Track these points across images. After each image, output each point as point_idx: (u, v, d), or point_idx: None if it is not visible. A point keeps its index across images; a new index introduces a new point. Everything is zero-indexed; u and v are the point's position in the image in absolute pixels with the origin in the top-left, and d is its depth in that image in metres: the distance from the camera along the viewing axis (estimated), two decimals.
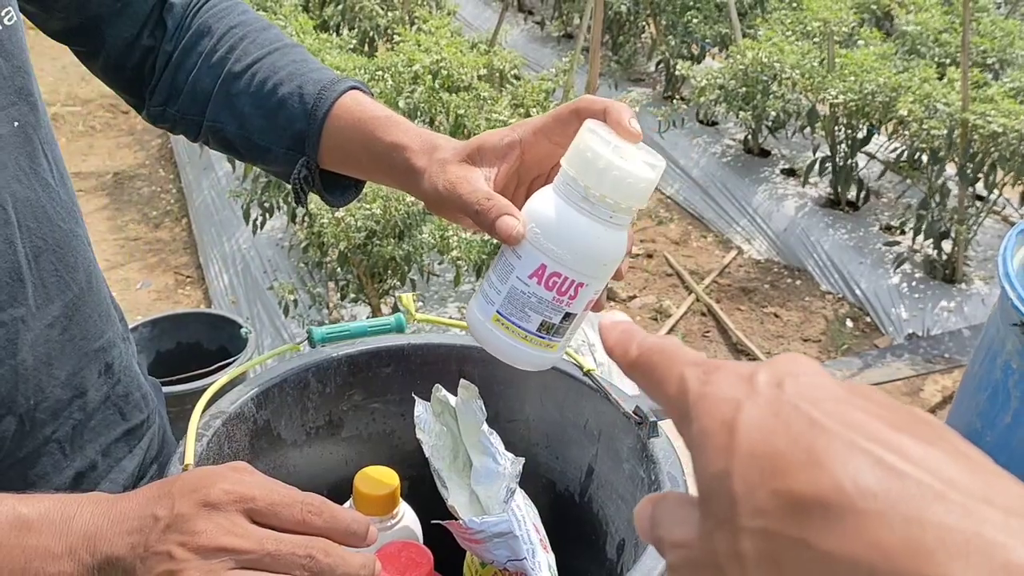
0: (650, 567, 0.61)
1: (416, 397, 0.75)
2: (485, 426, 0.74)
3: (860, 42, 3.74)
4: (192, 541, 0.53)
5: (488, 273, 0.63)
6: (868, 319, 3.29)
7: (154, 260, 3.59)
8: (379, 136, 0.72)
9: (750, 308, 3.40)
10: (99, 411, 0.76)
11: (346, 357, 0.80)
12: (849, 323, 3.29)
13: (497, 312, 0.61)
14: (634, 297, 3.43)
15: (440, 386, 0.75)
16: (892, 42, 3.80)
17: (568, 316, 0.61)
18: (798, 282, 3.54)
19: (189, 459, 0.65)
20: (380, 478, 0.74)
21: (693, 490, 0.33)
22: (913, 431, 0.28)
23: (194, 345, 2.56)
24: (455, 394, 0.75)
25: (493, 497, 0.69)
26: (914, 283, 3.29)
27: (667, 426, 0.76)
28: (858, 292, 3.36)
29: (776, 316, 3.35)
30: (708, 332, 3.25)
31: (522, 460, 0.70)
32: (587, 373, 0.79)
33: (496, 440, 0.74)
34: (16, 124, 0.67)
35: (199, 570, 0.52)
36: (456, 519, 0.65)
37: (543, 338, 0.61)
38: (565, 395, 0.80)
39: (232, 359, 2.42)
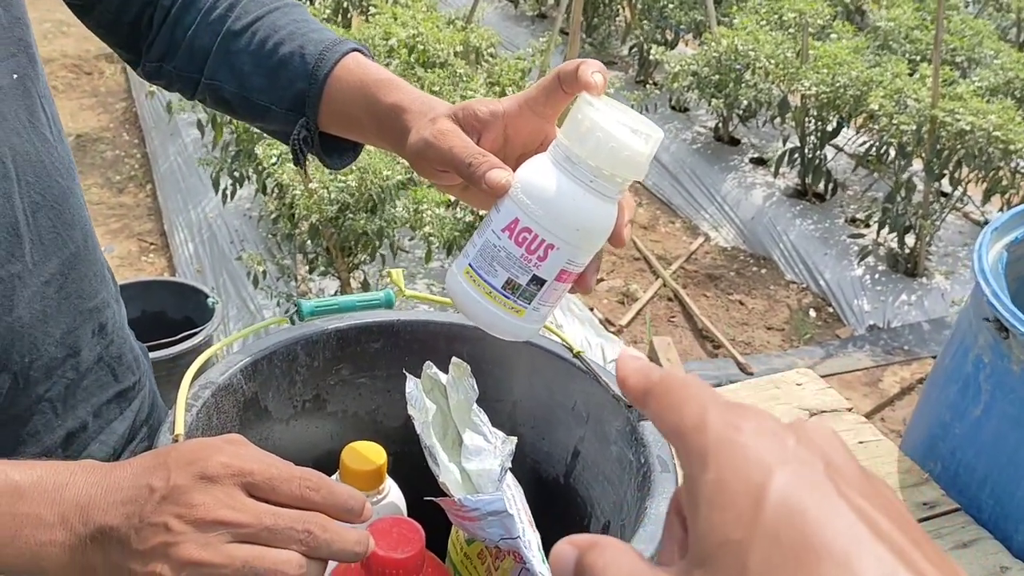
0: (640, 550, 0.62)
1: (407, 373, 0.75)
2: (475, 405, 0.74)
3: (833, 35, 3.77)
4: (189, 513, 0.52)
5: (473, 235, 0.63)
6: (831, 309, 3.33)
7: (117, 226, 3.53)
8: (380, 98, 0.71)
9: (716, 295, 3.43)
10: (92, 371, 0.74)
11: (335, 331, 0.80)
12: (812, 313, 3.34)
13: (469, 264, 0.61)
14: (601, 280, 3.45)
15: (431, 363, 0.75)
16: (865, 36, 3.84)
17: (536, 280, 0.59)
18: (763, 271, 3.58)
19: (179, 429, 0.64)
20: (368, 453, 0.74)
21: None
22: (937, 561, 0.27)
23: (159, 314, 2.53)
24: (444, 371, 0.75)
25: (484, 475, 0.69)
26: (877, 276, 3.34)
27: None
28: (822, 283, 3.41)
29: (741, 304, 3.38)
30: (674, 317, 3.28)
31: (514, 439, 0.70)
32: (577, 355, 0.79)
33: (485, 419, 0.74)
34: (15, 76, 0.66)
35: (196, 543, 0.52)
36: (448, 496, 0.65)
37: (508, 298, 0.60)
38: (554, 376, 0.81)
39: (198, 328, 2.40)
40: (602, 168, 0.57)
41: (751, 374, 2.88)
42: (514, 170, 0.64)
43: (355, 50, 0.75)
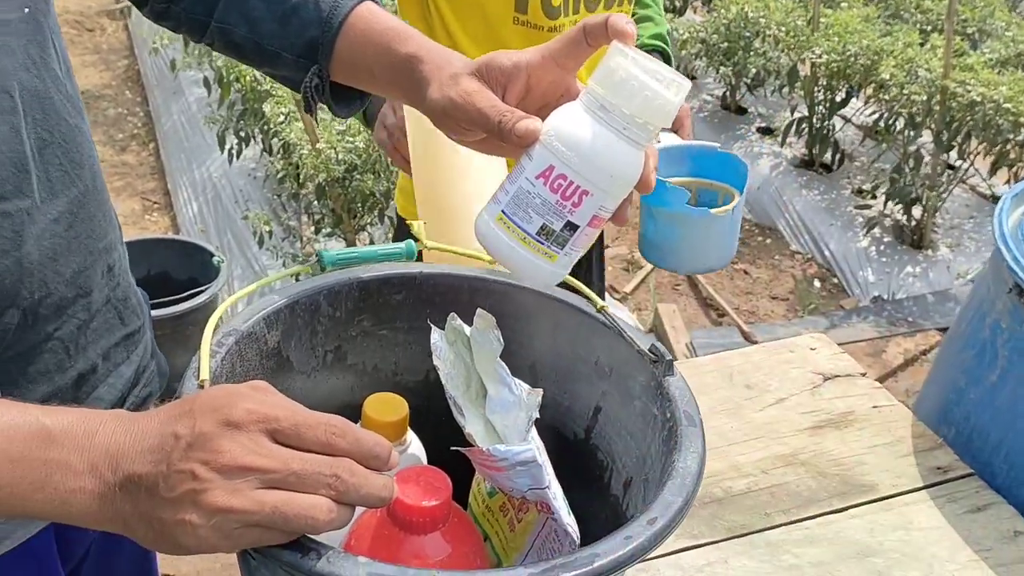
0: (669, 501, 0.62)
1: (431, 324, 0.74)
2: (498, 357, 0.73)
3: (844, 3, 3.73)
4: (215, 460, 0.52)
5: (503, 181, 0.63)
6: (836, 280, 3.33)
7: (120, 184, 3.51)
8: (395, 47, 0.71)
9: None
10: (101, 313, 0.74)
11: (358, 281, 0.79)
12: (817, 283, 3.33)
13: (502, 211, 0.62)
14: (607, 247, 3.44)
15: (455, 315, 0.75)
16: (875, 5, 3.80)
17: (570, 225, 0.61)
18: (768, 240, 3.57)
19: (204, 375, 0.63)
20: (390, 404, 0.73)
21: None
22: None
23: (163, 274, 2.52)
24: (467, 324, 0.75)
25: (510, 426, 0.69)
26: (882, 247, 3.34)
27: (682, 366, 0.76)
28: (827, 253, 3.40)
29: (746, 273, 3.38)
30: (679, 285, 3.27)
31: (540, 391, 0.70)
32: (600, 310, 0.78)
33: (508, 371, 0.74)
34: (26, 10, 0.64)
35: (223, 489, 0.51)
36: (474, 446, 0.65)
37: (542, 243, 0.61)
38: (577, 331, 0.80)
39: (203, 287, 2.39)
40: (636, 116, 0.58)
41: (755, 343, 2.88)
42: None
43: None
